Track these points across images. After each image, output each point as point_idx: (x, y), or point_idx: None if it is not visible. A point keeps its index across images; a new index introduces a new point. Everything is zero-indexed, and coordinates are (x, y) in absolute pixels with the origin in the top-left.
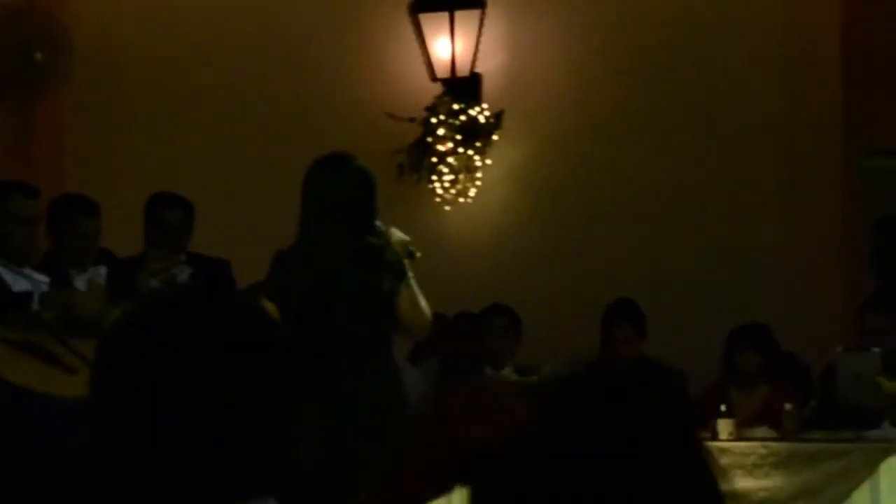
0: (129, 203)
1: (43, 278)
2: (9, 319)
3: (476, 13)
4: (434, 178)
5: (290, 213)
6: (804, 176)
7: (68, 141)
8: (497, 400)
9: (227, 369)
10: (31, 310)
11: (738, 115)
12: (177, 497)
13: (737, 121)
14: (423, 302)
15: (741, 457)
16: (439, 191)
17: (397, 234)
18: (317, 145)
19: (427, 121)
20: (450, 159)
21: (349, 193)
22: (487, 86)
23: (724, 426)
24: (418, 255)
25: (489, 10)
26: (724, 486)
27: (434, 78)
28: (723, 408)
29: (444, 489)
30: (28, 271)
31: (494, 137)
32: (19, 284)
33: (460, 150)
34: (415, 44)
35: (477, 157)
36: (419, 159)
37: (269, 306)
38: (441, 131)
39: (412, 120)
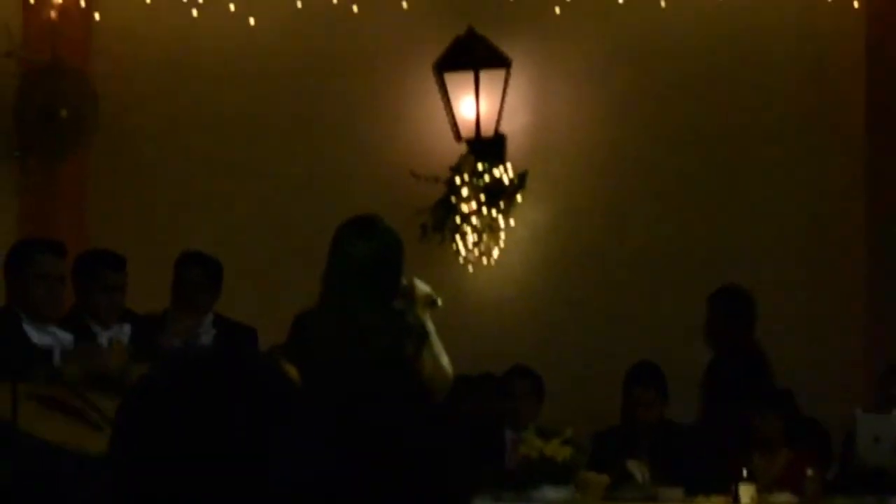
0: (153, 260)
1: (67, 336)
2: (32, 375)
3: (501, 73)
4: (458, 238)
5: (315, 273)
6: (828, 240)
7: (93, 198)
8: None
9: (246, 432)
10: (53, 366)
11: (765, 178)
12: None
13: (764, 183)
14: (444, 360)
15: None
16: (463, 251)
17: (419, 286)
18: (341, 204)
19: (451, 181)
20: (473, 219)
21: (377, 257)
22: (512, 146)
23: (746, 491)
24: (440, 303)
25: (514, 70)
26: None
27: (459, 138)
28: (745, 472)
29: None
30: (52, 329)
31: (518, 198)
32: (43, 342)
33: (484, 210)
34: (440, 103)
35: (501, 218)
36: (443, 219)
37: (290, 369)
38: (465, 191)
39: (436, 180)
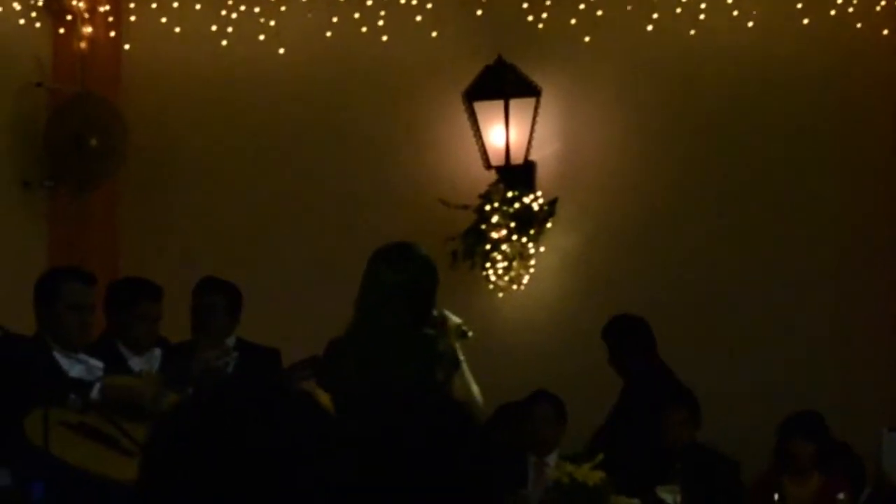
0: (184, 288)
1: (98, 363)
2: (66, 403)
3: (531, 101)
4: (488, 265)
5: (344, 300)
6: (857, 263)
7: (122, 226)
8: None
9: (279, 462)
10: (90, 398)
11: (798, 204)
12: None
13: (797, 208)
14: (475, 388)
15: None
16: (493, 278)
17: (450, 317)
18: (371, 232)
19: (481, 208)
20: (503, 247)
21: (413, 283)
22: (541, 173)
23: None
24: (471, 334)
25: (543, 99)
26: None
27: (488, 166)
28: (776, 497)
29: None
30: (83, 357)
31: (548, 225)
32: (74, 370)
33: (514, 237)
34: (469, 131)
35: (531, 245)
36: (473, 247)
37: (323, 396)
38: (495, 219)
39: (466, 207)
